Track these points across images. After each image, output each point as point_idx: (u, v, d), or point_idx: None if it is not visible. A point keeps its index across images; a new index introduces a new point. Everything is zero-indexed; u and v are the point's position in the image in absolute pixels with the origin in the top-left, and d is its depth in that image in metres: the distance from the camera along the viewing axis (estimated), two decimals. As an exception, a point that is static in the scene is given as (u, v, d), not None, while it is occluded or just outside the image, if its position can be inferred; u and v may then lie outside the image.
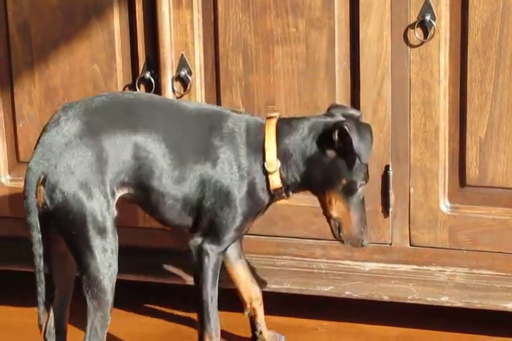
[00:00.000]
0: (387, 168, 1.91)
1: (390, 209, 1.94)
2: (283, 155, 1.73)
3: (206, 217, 1.78)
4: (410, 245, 1.97)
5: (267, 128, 1.74)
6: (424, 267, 1.98)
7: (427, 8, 1.79)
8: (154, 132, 1.72)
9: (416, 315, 2.00)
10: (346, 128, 1.62)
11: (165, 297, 2.27)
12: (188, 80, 1.98)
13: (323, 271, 2.04)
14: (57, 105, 2.01)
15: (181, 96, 2.02)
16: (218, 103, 2.04)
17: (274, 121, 1.74)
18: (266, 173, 1.74)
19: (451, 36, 1.83)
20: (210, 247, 1.75)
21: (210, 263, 1.76)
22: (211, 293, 1.77)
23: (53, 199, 1.65)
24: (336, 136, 1.65)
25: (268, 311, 2.00)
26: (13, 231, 2.19)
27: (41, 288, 1.69)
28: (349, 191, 1.71)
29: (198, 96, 2.02)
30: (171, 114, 1.79)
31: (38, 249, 1.68)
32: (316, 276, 2.04)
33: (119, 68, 2.05)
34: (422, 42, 1.80)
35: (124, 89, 2.07)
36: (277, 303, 2.04)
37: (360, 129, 1.65)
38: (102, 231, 1.69)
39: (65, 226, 1.68)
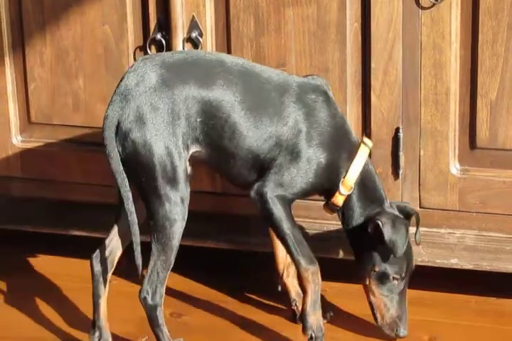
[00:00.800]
0: (397, 130, 1.90)
1: (400, 172, 1.94)
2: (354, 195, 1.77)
3: (276, 172, 1.78)
4: (420, 207, 1.96)
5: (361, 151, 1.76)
6: (434, 229, 1.98)
7: None
8: (230, 93, 1.75)
9: (426, 277, 1.96)
10: (380, 223, 1.67)
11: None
12: (199, 42, 1.98)
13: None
14: (68, 66, 2.10)
15: None
16: None
17: (366, 151, 1.77)
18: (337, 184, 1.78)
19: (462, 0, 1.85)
20: (275, 193, 1.76)
21: (277, 204, 1.76)
22: (290, 228, 1.77)
23: (125, 148, 1.71)
24: (370, 230, 1.71)
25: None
26: (25, 191, 2.24)
27: (135, 229, 1.73)
28: (381, 280, 1.75)
29: None
30: (249, 79, 1.80)
31: (127, 192, 1.71)
32: (327, 239, 2.05)
33: (130, 29, 2.05)
34: (434, 4, 1.79)
35: (134, 51, 2.06)
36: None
37: (396, 225, 1.69)
38: (171, 181, 1.73)
39: (136, 173, 1.73)
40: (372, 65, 1.91)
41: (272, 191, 1.78)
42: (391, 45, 1.89)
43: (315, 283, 1.77)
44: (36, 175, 2.25)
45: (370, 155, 1.87)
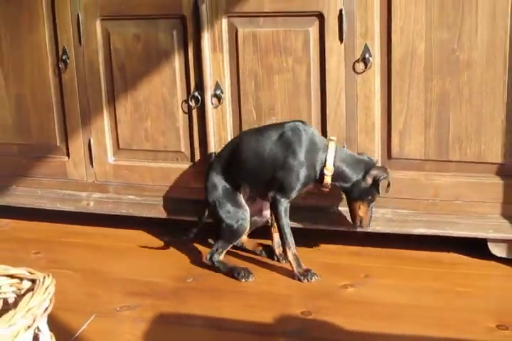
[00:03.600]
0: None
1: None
2: (337, 172, 1.99)
3: (278, 183, 2.02)
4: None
5: (330, 147, 1.98)
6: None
7: (366, 50, 2.01)
8: (250, 148, 2.05)
9: (362, 238, 2.19)
10: (377, 177, 1.93)
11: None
12: (221, 97, 2.20)
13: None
14: (141, 113, 2.33)
15: (217, 106, 2.22)
16: (238, 109, 2.23)
17: (334, 143, 1.99)
18: (322, 172, 1.99)
19: (382, 67, 2.05)
20: (280, 198, 2.01)
21: (281, 207, 2.02)
22: (285, 222, 2.02)
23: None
24: (368, 180, 1.95)
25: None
26: (117, 191, 2.42)
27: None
28: (369, 203, 2.01)
29: (227, 107, 2.22)
30: (258, 143, 2.06)
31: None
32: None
33: (178, 90, 2.26)
34: (364, 71, 2.03)
35: (181, 103, 2.27)
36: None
37: (384, 177, 1.95)
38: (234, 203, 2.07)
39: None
40: (327, 109, 2.13)
41: (277, 196, 2.03)
42: (338, 96, 2.10)
43: (293, 256, 2.00)
44: (123, 180, 2.43)
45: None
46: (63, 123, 2.39)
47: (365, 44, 2.00)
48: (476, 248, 2.10)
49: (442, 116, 2.02)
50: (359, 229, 2.04)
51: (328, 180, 1.99)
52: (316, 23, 2.03)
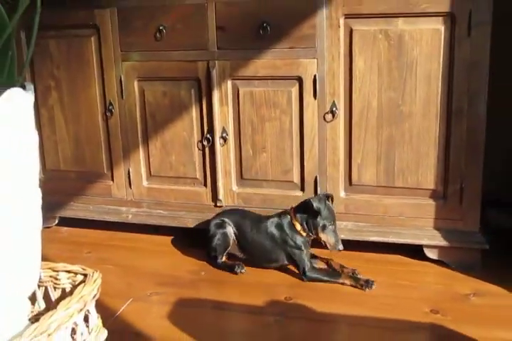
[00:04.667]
0: (316, 177, 2.21)
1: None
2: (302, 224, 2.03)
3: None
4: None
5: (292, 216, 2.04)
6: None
7: (333, 104, 2.11)
8: (245, 225, 2.15)
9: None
10: (311, 202, 1.97)
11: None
12: (226, 138, 2.28)
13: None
14: (168, 151, 2.38)
15: (223, 145, 2.28)
16: (239, 148, 2.29)
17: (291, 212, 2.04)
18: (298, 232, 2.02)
19: (345, 117, 2.12)
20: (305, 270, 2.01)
21: (308, 272, 2.02)
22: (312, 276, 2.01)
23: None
24: (307, 208, 1.98)
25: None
26: (149, 207, 2.43)
27: None
28: (325, 228, 2.00)
29: (231, 145, 2.29)
30: (254, 220, 2.14)
31: None
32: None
33: (195, 133, 2.34)
34: (332, 120, 2.12)
35: (197, 143, 2.33)
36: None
37: (321, 202, 1.97)
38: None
39: None
40: (304, 148, 2.20)
41: (306, 270, 2.03)
42: (313, 139, 2.17)
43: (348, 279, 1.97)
44: (153, 199, 2.48)
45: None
46: (109, 156, 2.46)
47: (333, 100, 2.09)
48: (415, 252, 2.14)
49: (390, 154, 2.08)
50: (333, 251, 2.02)
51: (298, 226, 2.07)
52: (297, 84, 2.11)
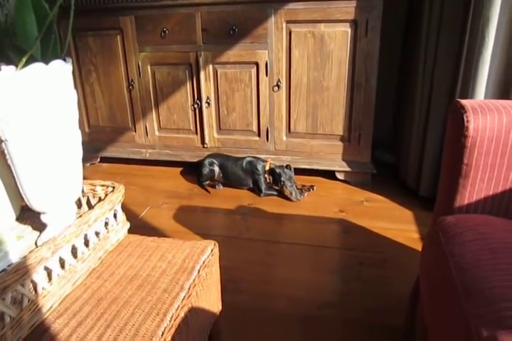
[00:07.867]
0: (267, 128, 2.23)
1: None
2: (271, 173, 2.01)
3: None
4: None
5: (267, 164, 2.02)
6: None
7: (278, 80, 2.10)
8: (226, 163, 2.12)
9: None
10: (275, 169, 2.00)
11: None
12: (210, 103, 2.30)
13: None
14: (172, 112, 2.33)
15: (207, 108, 2.30)
16: (218, 109, 2.28)
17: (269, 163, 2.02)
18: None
19: (286, 89, 2.16)
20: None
21: (264, 190, 2.03)
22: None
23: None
24: (274, 173, 1.99)
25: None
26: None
27: None
28: (286, 185, 2.00)
29: (213, 108, 2.28)
30: (234, 160, 2.12)
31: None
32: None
33: (189, 100, 2.35)
34: (277, 91, 2.17)
35: (190, 106, 2.28)
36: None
37: (281, 168, 2.00)
38: None
39: None
40: (260, 109, 2.20)
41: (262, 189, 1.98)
42: (265, 103, 2.16)
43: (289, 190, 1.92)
44: (163, 143, 2.38)
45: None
46: (132, 115, 2.45)
47: (278, 78, 2.14)
48: (330, 175, 2.26)
49: (314, 112, 2.16)
50: (295, 200, 2.00)
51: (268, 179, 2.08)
52: (255, 67, 2.15)
